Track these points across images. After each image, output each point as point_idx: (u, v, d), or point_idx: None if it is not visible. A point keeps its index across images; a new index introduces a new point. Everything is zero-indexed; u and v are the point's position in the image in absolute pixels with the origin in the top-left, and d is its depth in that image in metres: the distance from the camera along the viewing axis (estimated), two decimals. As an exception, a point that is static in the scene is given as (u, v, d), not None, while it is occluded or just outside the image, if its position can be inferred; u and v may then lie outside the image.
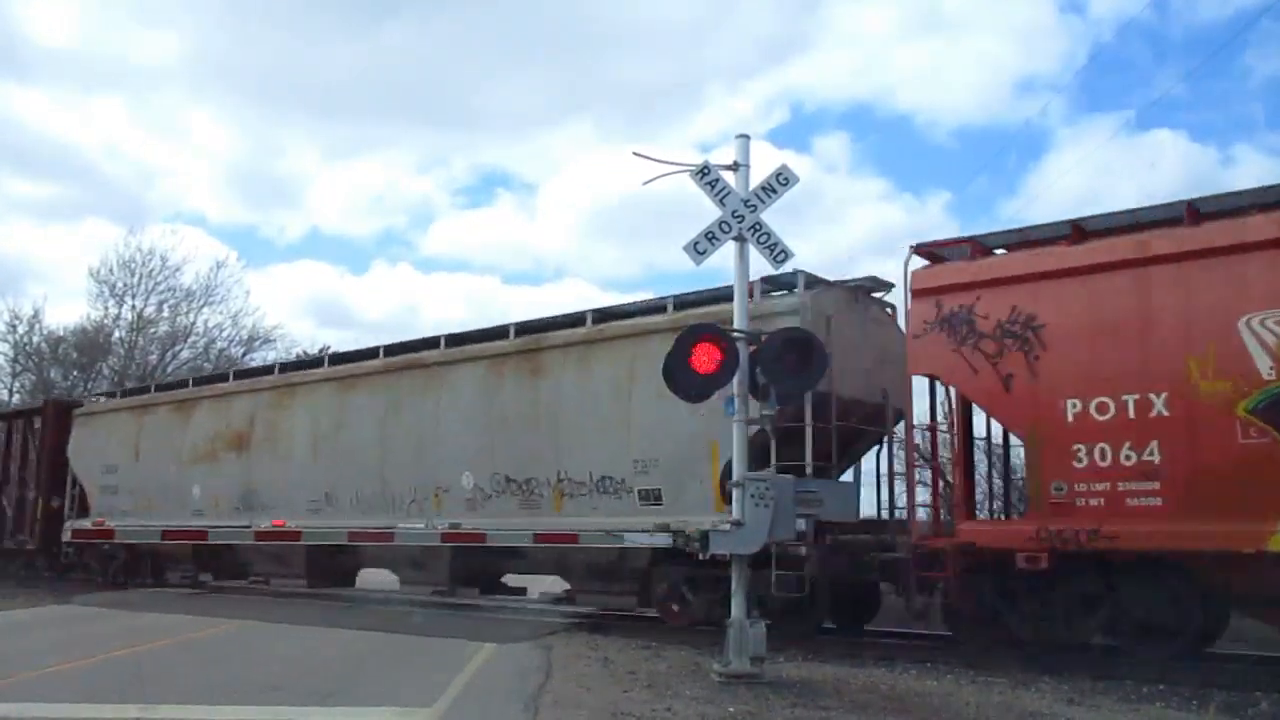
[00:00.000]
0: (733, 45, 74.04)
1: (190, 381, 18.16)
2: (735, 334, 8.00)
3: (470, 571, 13.19)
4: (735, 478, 7.85)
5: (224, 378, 17.33)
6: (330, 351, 16.22)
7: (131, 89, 65.08)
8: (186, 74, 64.34)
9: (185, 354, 35.24)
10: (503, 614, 12.71)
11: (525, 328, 12.61)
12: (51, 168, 57.86)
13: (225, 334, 35.87)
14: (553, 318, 12.64)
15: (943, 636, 10.11)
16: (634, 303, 12.26)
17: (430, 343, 13.74)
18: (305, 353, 33.00)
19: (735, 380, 7.88)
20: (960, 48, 70.13)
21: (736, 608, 7.77)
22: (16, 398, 33.74)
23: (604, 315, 12.02)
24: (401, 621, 11.94)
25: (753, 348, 7.95)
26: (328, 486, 14.11)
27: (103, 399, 20.29)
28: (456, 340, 13.39)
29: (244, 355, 34.89)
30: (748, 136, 8.62)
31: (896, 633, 11.01)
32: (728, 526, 7.91)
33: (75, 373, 35.03)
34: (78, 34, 63.30)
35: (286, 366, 16.31)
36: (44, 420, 19.56)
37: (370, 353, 14.64)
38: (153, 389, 18.90)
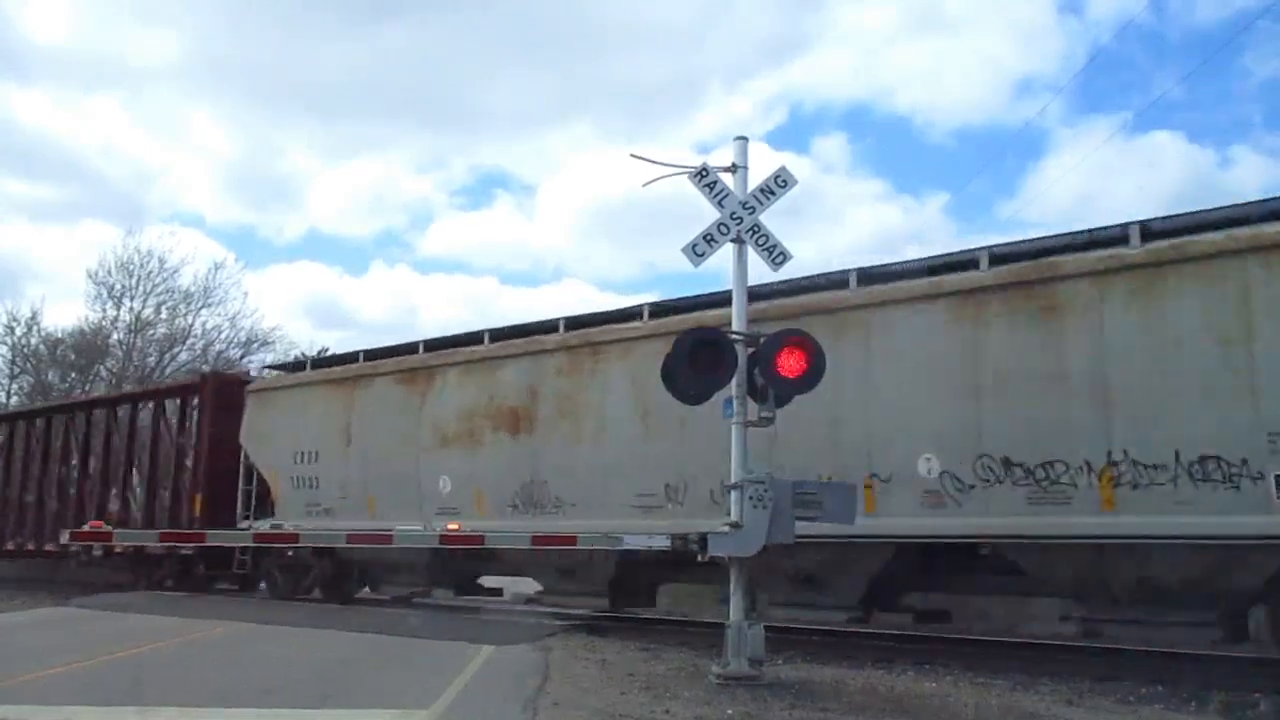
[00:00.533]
0: (732, 45, 74.15)
1: (420, 346, 14.03)
2: (734, 335, 8.01)
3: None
4: (733, 479, 7.86)
5: (476, 339, 13.35)
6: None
7: (130, 88, 65.12)
8: (185, 73, 64.34)
9: (183, 356, 35.32)
10: (501, 616, 12.70)
11: (1005, 254, 9.36)
12: (49, 168, 57.94)
13: (224, 336, 35.99)
14: (1051, 237, 9.41)
15: (941, 638, 10.09)
16: (1208, 209, 8.67)
17: (834, 280, 10.10)
18: (304, 354, 33.03)
19: (734, 382, 7.89)
20: (959, 48, 70.25)
21: (735, 610, 7.78)
22: (14, 400, 33.74)
23: (1149, 232, 8.57)
24: (399, 624, 11.92)
25: (751, 349, 7.97)
26: (670, 476, 10.74)
27: (281, 372, 16.75)
28: (870, 277, 9.97)
29: (242, 358, 35.01)
30: (746, 138, 8.63)
31: (895, 634, 11.00)
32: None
33: (73, 375, 35.06)
34: (76, 33, 63.34)
35: (577, 322, 12.35)
36: (202, 399, 16.41)
37: (719, 298, 10.45)
38: (361, 357, 14.92)
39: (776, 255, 8.22)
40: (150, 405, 17.81)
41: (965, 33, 70.56)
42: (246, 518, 15.23)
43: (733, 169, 8.40)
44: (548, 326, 12.50)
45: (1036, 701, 7.25)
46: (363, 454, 13.94)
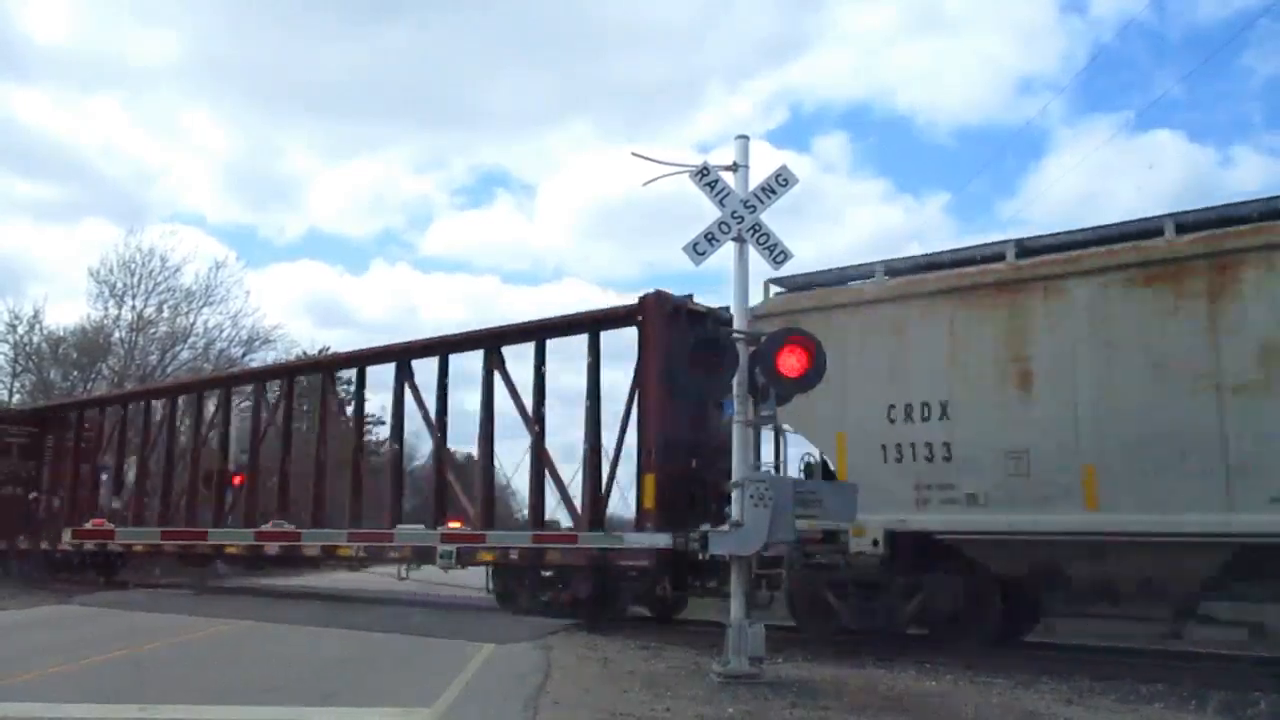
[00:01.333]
0: (733, 45, 74.10)
1: (1168, 225, 8.93)
2: (735, 334, 8.02)
3: None
4: (735, 478, 7.87)
5: None
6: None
7: (130, 88, 65.34)
8: (186, 73, 64.53)
9: (185, 354, 35.34)
10: (502, 615, 12.69)
11: None
12: (50, 167, 58.07)
13: (225, 334, 35.95)
14: None
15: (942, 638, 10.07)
16: None
17: None
18: (305, 353, 32.99)
19: (735, 380, 7.89)
20: (960, 48, 70.16)
21: (736, 609, 7.78)
22: (16, 398, 33.74)
23: None
24: (401, 621, 11.92)
25: (752, 348, 7.97)
26: None
27: (789, 292, 11.10)
28: None
29: (243, 356, 34.95)
30: (747, 137, 8.65)
31: (894, 633, 10.98)
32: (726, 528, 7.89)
33: (75, 373, 35.07)
34: (76, 33, 63.43)
35: None
36: (645, 332, 11.36)
37: None
38: (1012, 251, 9.69)
39: (777, 254, 8.23)
40: (528, 345, 12.69)
41: (965, 32, 70.59)
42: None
43: (734, 168, 8.41)
44: None
45: (1036, 700, 7.26)
46: (1063, 402, 8.94)
